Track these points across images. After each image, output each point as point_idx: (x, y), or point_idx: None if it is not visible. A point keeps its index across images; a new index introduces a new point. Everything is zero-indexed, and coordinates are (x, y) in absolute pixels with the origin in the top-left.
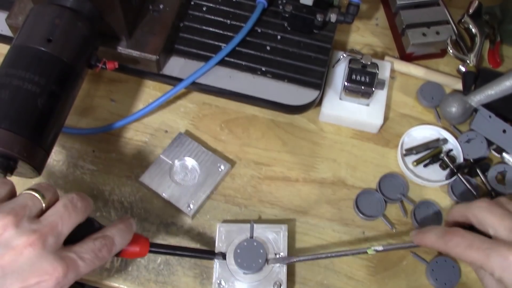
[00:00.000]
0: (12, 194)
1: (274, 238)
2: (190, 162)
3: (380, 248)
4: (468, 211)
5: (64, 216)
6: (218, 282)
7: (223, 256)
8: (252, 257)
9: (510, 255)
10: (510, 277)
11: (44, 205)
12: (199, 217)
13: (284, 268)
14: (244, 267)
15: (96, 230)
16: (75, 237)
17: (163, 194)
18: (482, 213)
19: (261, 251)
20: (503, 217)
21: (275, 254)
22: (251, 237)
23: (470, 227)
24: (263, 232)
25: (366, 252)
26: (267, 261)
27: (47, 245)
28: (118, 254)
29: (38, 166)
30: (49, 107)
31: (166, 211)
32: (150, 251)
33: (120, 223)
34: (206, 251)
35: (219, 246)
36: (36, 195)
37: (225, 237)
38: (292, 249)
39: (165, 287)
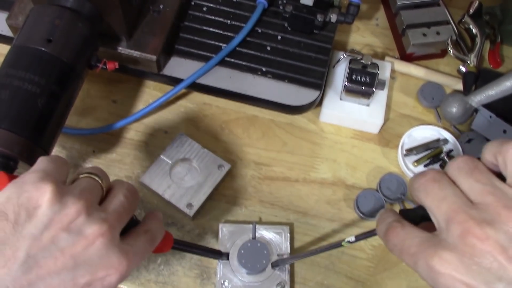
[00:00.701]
0: (67, 175)
1: (276, 239)
2: (190, 162)
3: (352, 239)
4: (411, 191)
5: (126, 206)
6: (222, 282)
7: (226, 256)
8: (256, 257)
9: (433, 263)
10: (439, 286)
11: (104, 190)
12: (199, 217)
13: (287, 269)
14: (248, 268)
15: (136, 224)
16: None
17: (164, 195)
18: (419, 194)
19: (265, 252)
20: (440, 200)
21: (278, 255)
22: (254, 238)
23: None
24: (265, 233)
25: (342, 245)
26: (272, 264)
27: (115, 237)
28: None
29: None
30: (49, 107)
31: (166, 211)
32: (173, 247)
33: (155, 217)
34: (215, 251)
35: (221, 247)
36: (98, 179)
37: (227, 237)
38: (291, 249)
39: (165, 287)
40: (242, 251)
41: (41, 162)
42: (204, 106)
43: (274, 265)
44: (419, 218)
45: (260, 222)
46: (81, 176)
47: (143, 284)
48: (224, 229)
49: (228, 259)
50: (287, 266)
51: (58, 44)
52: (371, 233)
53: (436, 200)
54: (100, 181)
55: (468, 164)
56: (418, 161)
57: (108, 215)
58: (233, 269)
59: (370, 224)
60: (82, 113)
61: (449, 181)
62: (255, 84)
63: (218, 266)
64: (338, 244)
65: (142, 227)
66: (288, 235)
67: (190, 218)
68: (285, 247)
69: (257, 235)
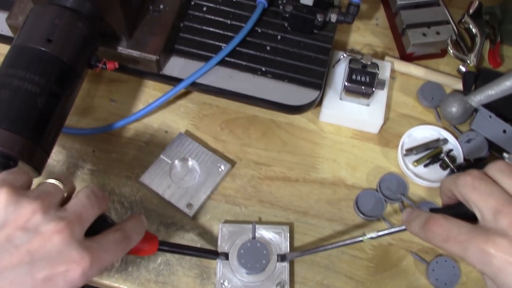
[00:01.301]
0: (30, 183)
1: (276, 239)
2: (190, 162)
3: (374, 234)
4: (454, 188)
5: (87, 206)
6: (221, 282)
7: (226, 256)
8: (256, 257)
9: (487, 247)
10: (491, 271)
11: (65, 194)
12: (199, 217)
13: (287, 268)
14: (248, 268)
15: (110, 225)
16: (91, 231)
17: (163, 194)
18: (466, 190)
19: (265, 251)
20: (488, 195)
21: (278, 255)
22: (253, 238)
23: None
24: (265, 233)
25: (362, 241)
26: (280, 257)
27: (74, 234)
28: (129, 251)
29: (38, 166)
30: (49, 107)
31: (166, 211)
32: (159, 249)
33: (133, 218)
34: (210, 251)
35: (221, 246)
36: (58, 184)
37: (227, 237)
38: (291, 249)
39: (165, 287)
40: (242, 251)
41: (1, 173)
42: (204, 106)
43: (282, 259)
44: (451, 213)
45: (260, 222)
46: (45, 181)
47: (143, 284)
48: (223, 229)
49: (227, 258)
50: (287, 266)
51: (58, 44)
52: (397, 230)
53: (484, 195)
54: (60, 185)
55: (508, 167)
56: (418, 161)
57: (68, 214)
58: (232, 269)
59: (370, 224)
60: (82, 112)
61: (492, 180)
62: (255, 84)
63: (218, 266)
64: (358, 239)
65: (115, 226)
66: (288, 234)
67: (190, 218)
68: (285, 247)
69: (256, 235)
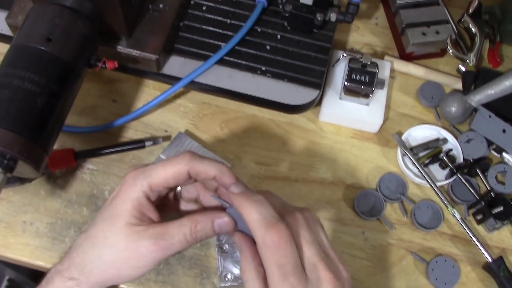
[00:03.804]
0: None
1: None
2: None
3: None
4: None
5: None
6: (224, 275)
7: (154, 141)
8: None
9: None
10: None
11: None
12: None
13: None
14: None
15: None
16: None
17: None
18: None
19: None
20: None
21: None
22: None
23: None
24: None
25: None
26: None
27: None
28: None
29: (37, 166)
30: (49, 106)
31: None
32: (77, 157)
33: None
34: (136, 141)
35: (219, 240)
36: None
37: None
38: None
39: (165, 286)
40: None
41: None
42: (203, 106)
43: None
44: None
45: None
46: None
47: (143, 284)
48: None
49: (155, 143)
50: None
51: (57, 43)
52: None
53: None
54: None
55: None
56: (417, 161)
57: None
58: (233, 261)
59: (369, 224)
60: (82, 112)
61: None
62: (254, 83)
63: (219, 260)
64: None
65: None
66: None
67: None
68: None
69: None
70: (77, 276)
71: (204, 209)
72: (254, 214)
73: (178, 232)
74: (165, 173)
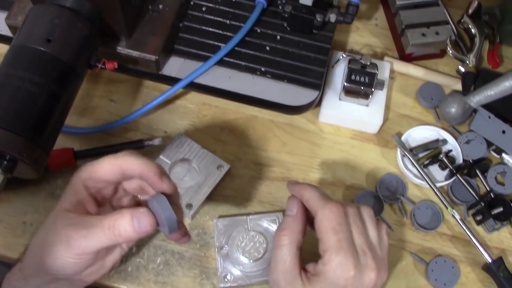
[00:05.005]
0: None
1: (272, 226)
2: (189, 162)
3: None
4: (315, 209)
5: None
6: (223, 276)
7: (153, 141)
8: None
9: None
10: None
11: None
12: (198, 217)
13: None
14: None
15: None
16: None
17: None
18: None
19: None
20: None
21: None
22: (249, 229)
23: None
24: (259, 223)
25: None
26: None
27: None
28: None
29: (37, 166)
30: (49, 107)
31: None
32: (77, 157)
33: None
34: (136, 141)
35: (219, 241)
36: None
37: (223, 231)
38: None
39: (164, 287)
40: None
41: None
42: (203, 106)
43: None
44: None
45: (253, 212)
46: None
47: (143, 284)
48: (218, 224)
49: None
50: None
51: (57, 44)
52: None
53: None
54: None
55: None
56: (417, 162)
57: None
58: (233, 262)
59: None
60: (82, 112)
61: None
62: (254, 84)
63: (218, 261)
64: None
65: None
66: None
67: (189, 218)
68: None
69: (251, 225)
70: (23, 258)
71: None
72: (315, 192)
73: (97, 224)
74: (103, 164)
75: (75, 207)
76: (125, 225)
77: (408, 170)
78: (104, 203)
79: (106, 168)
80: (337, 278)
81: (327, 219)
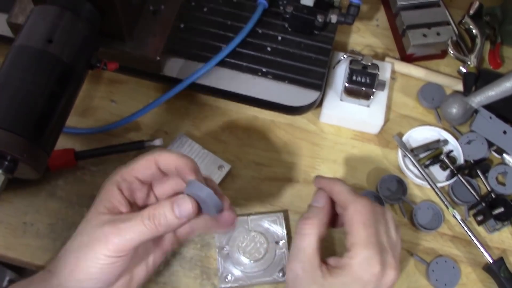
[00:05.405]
0: None
1: (272, 227)
2: None
3: None
4: (345, 203)
5: None
6: (224, 276)
7: (154, 141)
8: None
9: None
10: None
11: None
12: None
13: (287, 254)
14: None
15: None
16: None
17: None
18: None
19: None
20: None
21: (276, 242)
22: (250, 229)
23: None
24: (260, 223)
25: None
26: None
27: None
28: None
29: (38, 167)
30: (50, 108)
31: None
32: (78, 158)
33: None
34: (136, 142)
35: (219, 241)
36: None
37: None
38: (289, 235)
39: (165, 287)
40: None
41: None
42: (204, 107)
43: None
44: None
45: (254, 212)
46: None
47: (143, 284)
48: None
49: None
50: (286, 252)
51: (58, 45)
52: None
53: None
54: None
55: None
56: (418, 162)
57: None
58: (233, 262)
59: None
60: (83, 113)
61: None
62: (255, 84)
63: (219, 261)
64: None
65: None
66: (283, 221)
67: None
68: (282, 234)
69: (252, 225)
70: (51, 267)
71: None
72: (346, 187)
73: (136, 216)
74: (138, 160)
75: (110, 211)
76: (166, 213)
77: (409, 170)
78: (136, 210)
79: (141, 164)
80: (362, 272)
81: (359, 213)
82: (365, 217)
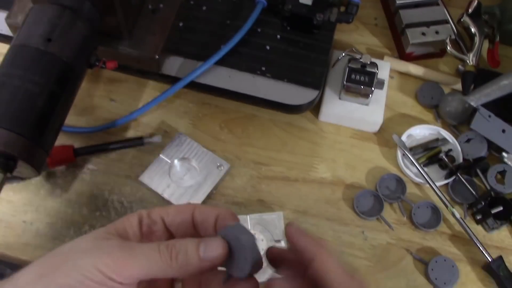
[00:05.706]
0: None
1: (271, 226)
2: (189, 161)
3: None
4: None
5: None
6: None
7: (153, 138)
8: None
9: None
10: None
11: None
12: None
13: None
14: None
15: None
16: None
17: (163, 194)
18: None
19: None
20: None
21: (275, 241)
22: (249, 228)
23: None
24: (259, 222)
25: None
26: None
27: None
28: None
29: (37, 166)
30: (49, 106)
31: None
32: (77, 154)
33: None
34: (135, 139)
35: None
36: None
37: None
38: None
39: None
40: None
41: None
42: (203, 106)
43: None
44: None
45: (253, 212)
46: None
47: None
48: None
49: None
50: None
51: (57, 44)
52: None
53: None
54: None
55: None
56: (417, 161)
57: None
58: None
59: (369, 224)
60: (82, 112)
61: None
62: (254, 83)
63: None
64: None
65: None
66: (282, 221)
67: None
68: (281, 233)
69: (252, 224)
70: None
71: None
72: (336, 263)
73: (150, 245)
74: (169, 206)
75: (119, 235)
76: (188, 248)
77: (408, 169)
78: None
79: (176, 207)
80: None
81: None
82: None
